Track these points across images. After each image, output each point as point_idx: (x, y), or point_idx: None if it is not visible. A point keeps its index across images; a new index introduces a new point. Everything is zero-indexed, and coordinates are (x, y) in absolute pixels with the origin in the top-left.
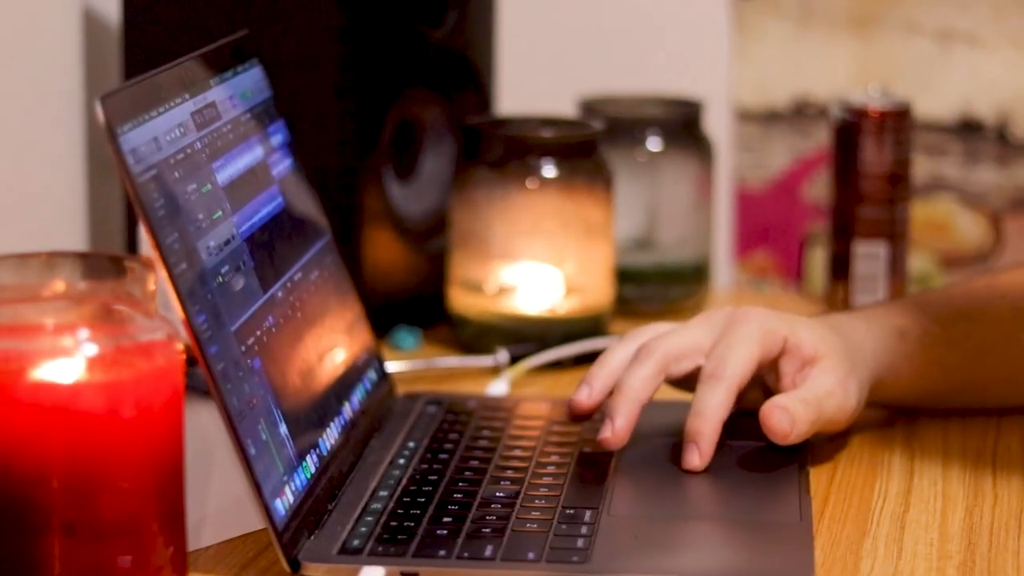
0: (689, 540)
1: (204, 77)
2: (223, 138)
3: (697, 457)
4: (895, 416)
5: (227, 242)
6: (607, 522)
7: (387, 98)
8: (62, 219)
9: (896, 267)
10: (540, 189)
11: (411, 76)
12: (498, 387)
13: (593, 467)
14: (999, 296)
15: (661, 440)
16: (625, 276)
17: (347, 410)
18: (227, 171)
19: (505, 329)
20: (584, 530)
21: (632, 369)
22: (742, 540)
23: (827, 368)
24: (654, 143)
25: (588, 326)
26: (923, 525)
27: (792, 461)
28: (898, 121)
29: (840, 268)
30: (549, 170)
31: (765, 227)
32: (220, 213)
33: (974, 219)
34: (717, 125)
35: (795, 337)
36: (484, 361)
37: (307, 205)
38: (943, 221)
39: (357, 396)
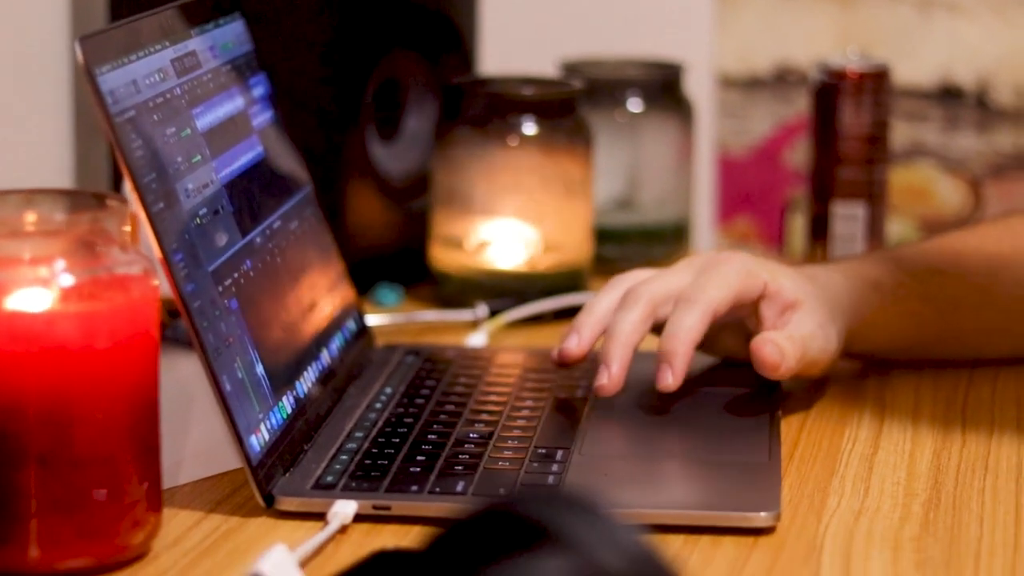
0: (658, 478)
1: (185, 26)
2: (203, 86)
3: (670, 376)
4: (869, 367)
5: (206, 186)
6: (578, 461)
7: (370, 59)
8: (48, 169)
9: (874, 228)
10: (520, 147)
11: (394, 38)
12: (476, 339)
13: (567, 411)
14: (972, 250)
15: (637, 388)
16: (606, 235)
17: (325, 357)
18: (207, 118)
19: (485, 284)
20: (555, 468)
21: (621, 314)
22: (710, 478)
23: (808, 312)
24: (635, 104)
25: (567, 282)
26: (891, 466)
27: (765, 408)
28: (876, 83)
29: (819, 229)
30: (529, 128)
31: (747, 193)
32: (199, 158)
33: (954, 184)
34: (700, 92)
35: (775, 283)
36: (464, 315)
37: (287, 157)
38: (923, 186)
39: (336, 345)
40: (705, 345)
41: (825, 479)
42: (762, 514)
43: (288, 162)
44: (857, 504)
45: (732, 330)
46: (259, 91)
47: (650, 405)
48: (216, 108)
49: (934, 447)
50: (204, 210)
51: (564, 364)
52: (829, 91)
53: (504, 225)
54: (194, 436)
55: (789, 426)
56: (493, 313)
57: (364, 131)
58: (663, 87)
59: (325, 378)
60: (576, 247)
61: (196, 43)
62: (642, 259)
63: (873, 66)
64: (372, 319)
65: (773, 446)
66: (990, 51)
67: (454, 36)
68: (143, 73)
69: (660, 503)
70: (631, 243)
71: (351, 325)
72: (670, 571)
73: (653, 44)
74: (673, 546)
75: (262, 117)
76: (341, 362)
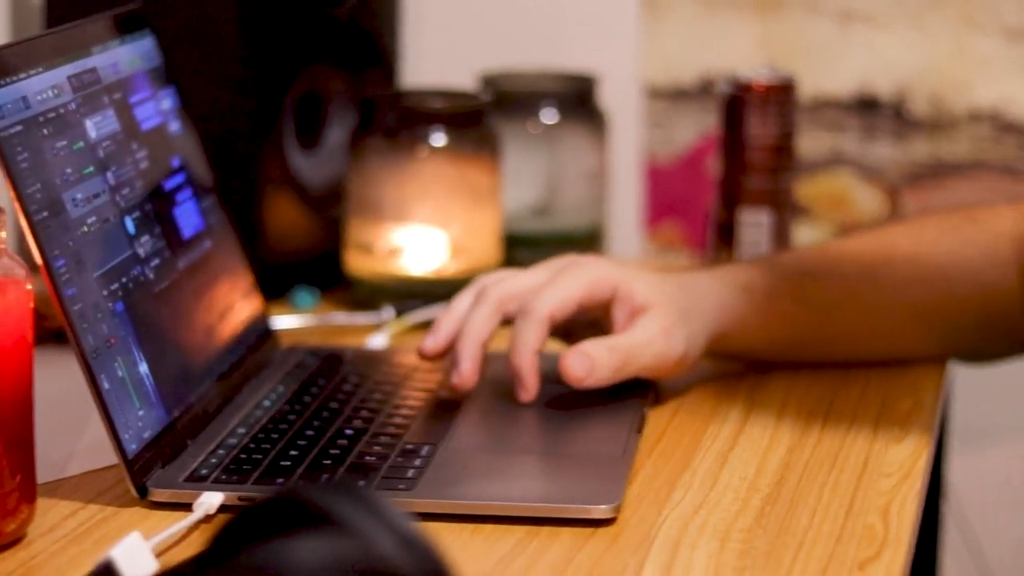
0: (511, 471)
1: (86, 44)
2: (99, 101)
3: (523, 392)
4: (747, 369)
5: (96, 195)
6: (442, 456)
7: (289, 73)
8: None
9: (780, 234)
10: (429, 157)
11: (315, 52)
12: (377, 340)
13: (445, 409)
14: (848, 256)
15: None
16: (521, 241)
17: (222, 358)
18: (102, 131)
19: (395, 288)
20: (418, 462)
21: (472, 313)
22: (561, 471)
23: (653, 317)
24: (549, 115)
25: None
26: (743, 462)
27: (633, 404)
28: (782, 95)
29: (726, 236)
30: (438, 139)
31: (673, 200)
32: (91, 169)
33: (872, 192)
34: (626, 102)
35: (627, 287)
36: (371, 318)
37: (192, 167)
38: (842, 194)
39: (236, 346)
40: (571, 343)
41: (677, 473)
42: (601, 506)
43: (193, 172)
44: (700, 498)
45: (589, 328)
46: (166, 104)
47: (522, 404)
48: (113, 122)
49: (789, 444)
50: (93, 219)
51: (426, 360)
52: (737, 103)
53: (414, 231)
54: (89, 427)
55: (657, 421)
56: (398, 316)
57: (284, 141)
58: (577, 98)
59: (220, 377)
60: (484, 252)
61: (97, 60)
62: None
63: (779, 78)
64: (285, 321)
65: (630, 441)
66: (907, 63)
67: (375, 50)
68: (36, 90)
69: (505, 495)
70: (546, 249)
71: (255, 328)
72: (438, 557)
73: (580, 57)
74: (515, 537)
75: (167, 129)
76: (240, 362)
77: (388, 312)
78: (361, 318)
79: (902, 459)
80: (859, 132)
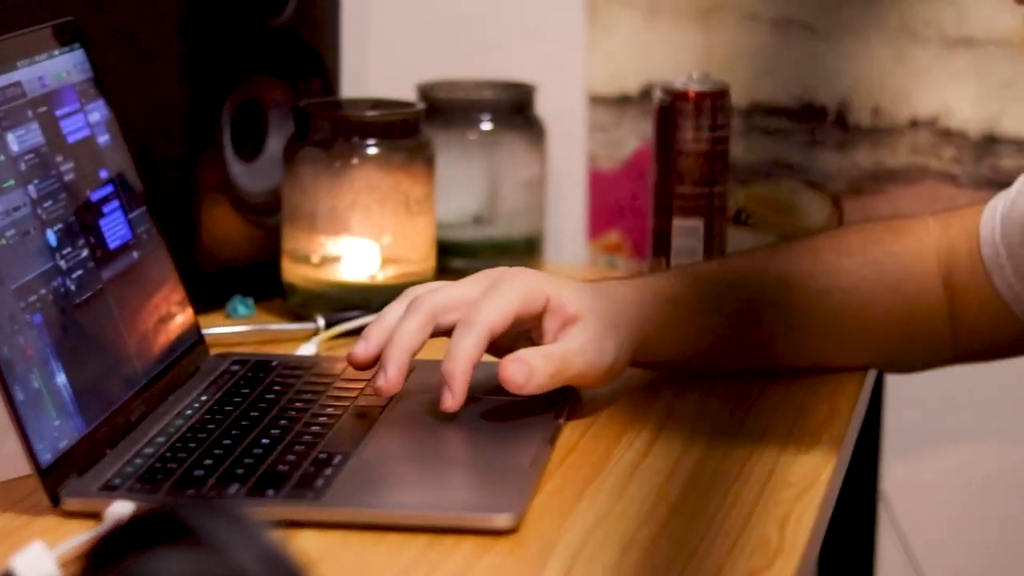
0: (419, 481)
1: (12, 58)
2: (23, 115)
3: (450, 397)
4: (669, 378)
5: (16, 208)
6: (354, 465)
7: (228, 82)
8: None
9: (713, 242)
10: (362, 166)
11: (254, 62)
12: (307, 349)
13: (364, 418)
14: (770, 266)
15: (435, 396)
16: (460, 249)
17: (148, 367)
18: (25, 144)
19: (330, 297)
20: (329, 471)
21: (402, 322)
22: (468, 481)
23: (584, 327)
24: (487, 124)
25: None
26: (654, 472)
27: (548, 416)
28: (715, 103)
29: (661, 243)
30: (371, 149)
31: (618, 206)
32: (11, 182)
33: (816, 200)
34: (572, 110)
35: (558, 297)
36: (302, 326)
37: (121, 179)
38: (786, 202)
39: (162, 355)
40: (503, 354)
41: (586, 483)
42: (502, 516)
43: (122, 183)
44: (606, 508)
45: (520, 338)
46: (95, 116)
47: (440, 415)
48: (37, 135)
49: (700, 454)
50: (12, 231)
51: (356, 367)
52: (669, 111)
53: (348, 241)
54: (7, 440)
55: (573, 431)
56: (328, 325)
57: (222, 150)
58: (515, 107)
59: (144, 387)
60: (418, 261)
61: (22, 74)
62: None
63: (712, 86)
64: (220, 330)
65: (541, 452)
66: (848, 71)
67: (316, 60)
68: None
69: (407, 504)
70: (484, 257)
71: (183, 336)
72: (298, 570)
73: (525, 65)
74: (418, 546)
75: (95, 142)
76: (165, 372)
77: (320, 321)
78: (293, 327)
79: (808, 470)
80: (802, 140)
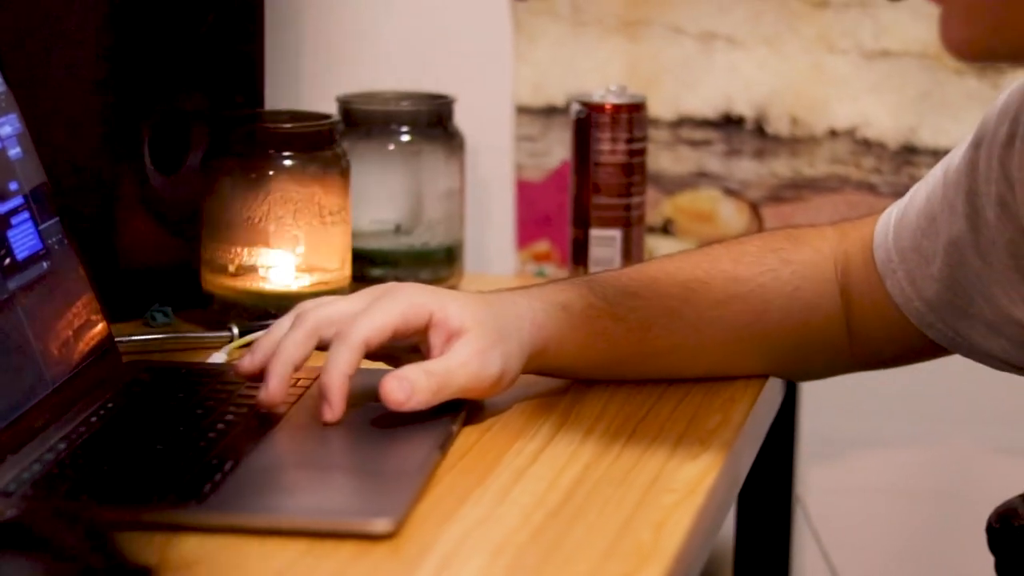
0: (304, 486)
1: None
2: None
3: (328, 410)
4: (570, 385)
5: None
6: (243, 471)
7: (148, 95)
8: None
9: (631, 252)
10: (278, 178)
11: (176, 74)
12: (217, 357)
13: (261, 425)
14: (667, 274)
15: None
16: (380, 258)
17: (55, 375)
18: None
19: (247, 306)
20: (217, 477)
21: (286, 336)
22: (352, 487)
23: (469, 340)
24: (405, 136)
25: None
26: (538, 478)
27: (443, 422)
28: (631, 115)
29: (579, 253)
30: (287, 161)
31: (546, 215)
32: None
33: (736, 208)
34: (500, 121)
35: (443, 312)
36: (217, 334)
37: (32, 191)
38: (708, 210)
39: (72, 363)
40: (395, 367)
41: (470, 489)
42: (380, 521)
43: (33, 195)
44: (486, 513)
45: (410, 353)
46: (6, 130)
47: (338, 422)
48: None
49: (588, 460)
50: None
51: (243, 378)
52: (586, 123)
53: (264, 251)
54: None
55: (467, 437)
56: (244, 333)
57: (143, 161)
58: (435, 119)
59: (52, 394)
60: (334, 270)
61: None
62: (414, 282)
63: (628, 99)
64: (134, 338)
65: (429, 458)
66: (767, 82)
67: (239, 72)
68: None
69: (287, 509)
70: (404, 266)
71: (96, 345)
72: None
73: (454, 76)
74: (296, 551)
75: (5, 155)
76: (75, 379)
77: (234, 330)
78: (207, 335)
79: (691, 476)
80: (722, 150)
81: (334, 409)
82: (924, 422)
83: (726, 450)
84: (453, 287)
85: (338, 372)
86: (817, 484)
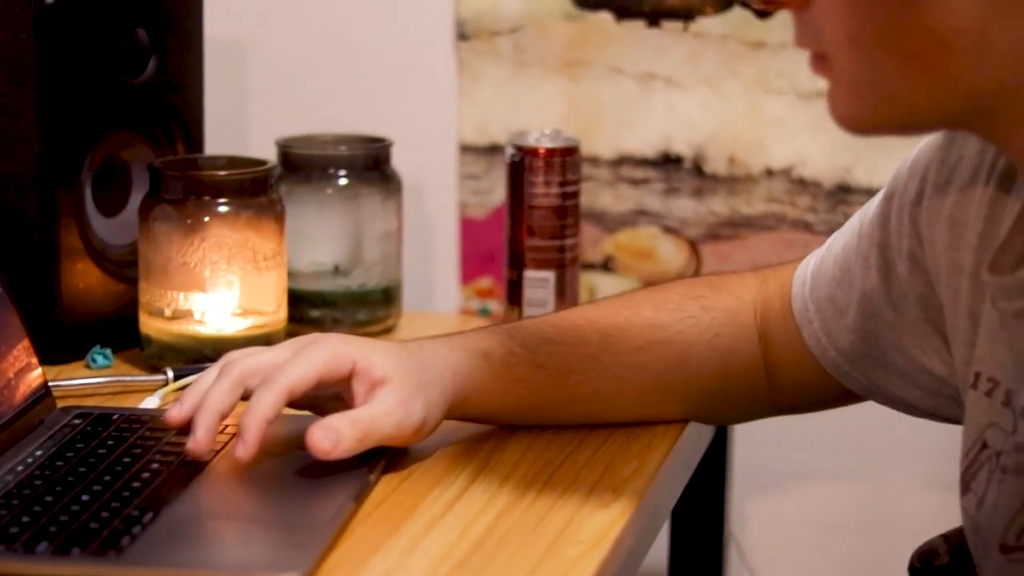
0: (218, 538)
1: None
2: None
3: (242, 448)
4: (493, 431)
5: None
6: (162, 522)
7: (88, 139)
8: None
9: (565, 292)
10: (213, 224)
11: (116, 119)
12: (150, 402)
13: (185, 474)
14: (587, 321)
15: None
16: (319, 300)
17: None
18: None
19: (183, 349)
20: (136, 529)
21: (212, 386)
22: (267, 538)
23: (392, 389)
24: (343, 180)
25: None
26: (449, 528)
27: (361, 471)
28: (564, 159)
29: (514, 293)
30: (222, 207)
31: (489, 252)
32: None
33: (675, 245)
34: (444, 160)
35: (366, 361)
36: (153, 378)
37: None
38: (648, 248)
39: (3, 410)
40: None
41: (384, 539)
42: (288, 574)
43: None
44: (395, 564)
45: (335, 401)
46: None
47: (262, 471)
48: None
49: (501, 509)
50: None
51: (172, 428)
52: (519, 167)
53: (200, 295)
54: None
55: (387, 484)
56: (179, 377)
57: (83, 205)
58: (371, 163)
59: None
60: (270, 313)
61: None
62: (351, 322)
63: (562, 142)
64: (70, 382)
65: (343, 508)
66: (705, 122)
67: (179, 117)
68: None
69: (198, 563)
70: (342, 307)
71: (29, 390)
72: None
73: (399, 115)
74: None
75: None
76: (8, 426)
77: (169, 373)
78: (143, 378)
79: (600, 526)
80: (662, 188)
81: (247, 447)
82: (856, 456)
83: (638, 498)
84: (391, 328)
85: (258, 414)
86: (752, 518)
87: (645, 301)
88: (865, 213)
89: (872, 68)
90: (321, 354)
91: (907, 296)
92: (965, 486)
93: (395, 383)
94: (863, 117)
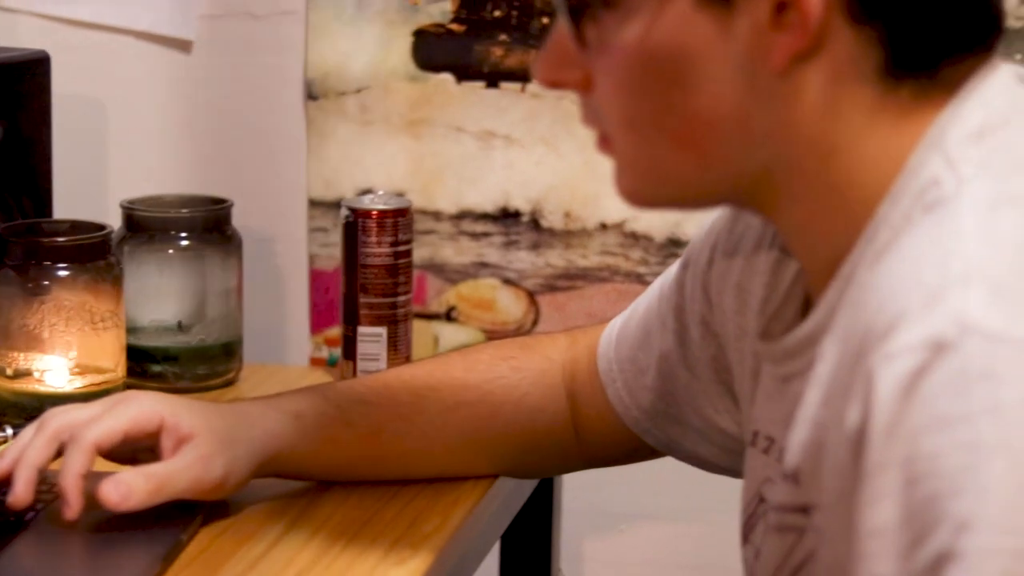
0: None
1: None
2: None
3: (68, 509)
4: (312, 486)
5: None
6: None
7: None
8: None
9: (397, 347)
10: (53, 288)
11: None
12: None
13: (3, 533)
14: (400, 382)
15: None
16: (161, 355)
17: None
18: None
19: (24, 406)
20: None
21: (30, 441)
22: None
23: (195, 445)
24: (185, 241)
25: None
26: None
27: (174, 529)
28: (396, 219)
29: (349, 348)
30: (61, 272)
31: (338, 302)
32: None
33: (515, 296)
34: (295, 215)
35: (174, 417)
36: None
37: None
38: (488, 299)
39: None
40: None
41: None
42: None
43: None
44: None
45: (148, 455)
46: None
47: (74, 530)
48: None
49: (302, 567)
50: None
51: None
52: (353, 227)
53: (40, 356)
54: None
55: (201, 540)
56: (15, 434)
57: None
58: (212, 224)
59: None
60: (108, 370)
61: None
62: (192, 376)
63: (393, 204)
64: None
65: (150, 567)
66: (541, 179)
67: (27, 180)
68: None
69: None
70: (183, 363)
71: None
72: None
73: (254, 169)
74: None
75: None
76: None
77: (9, 430)
78: None
79: None
80: (501, 241)
81: (72, 507)
82: (692, 497)
83: (433, 555)
84: (231, 381)
85: (70, 473)
86: (589, 557)
87: (458, 362)
88: (666, 278)
89: (647, 149)
90: (128, 411)
91: (700, 358)
92: (745, 537)
93: (200, 440)
94: (644, 193)
